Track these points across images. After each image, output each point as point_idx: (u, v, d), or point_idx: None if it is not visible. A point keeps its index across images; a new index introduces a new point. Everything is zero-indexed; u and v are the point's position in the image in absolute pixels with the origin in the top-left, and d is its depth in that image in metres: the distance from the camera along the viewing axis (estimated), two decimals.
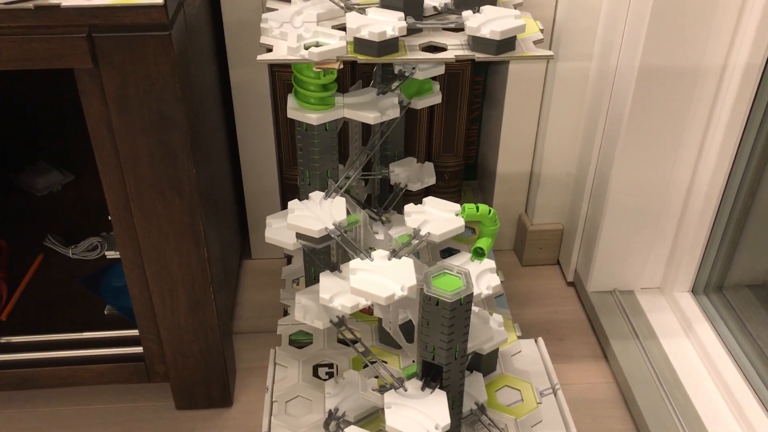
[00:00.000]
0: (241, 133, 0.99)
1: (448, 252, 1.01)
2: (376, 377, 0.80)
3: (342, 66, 0.69)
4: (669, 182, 0.91)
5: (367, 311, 0.92)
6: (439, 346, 0.65)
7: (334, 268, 0.74)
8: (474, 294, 0.67)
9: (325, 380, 0.82)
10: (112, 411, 0.86)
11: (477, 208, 0.73)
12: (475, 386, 0.79)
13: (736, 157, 0.87)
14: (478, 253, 0.74)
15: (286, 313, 0.93)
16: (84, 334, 0.85)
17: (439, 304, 0.63)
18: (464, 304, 0.63)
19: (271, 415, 0.78)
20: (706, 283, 0.97)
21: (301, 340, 0.89)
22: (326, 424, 0.75)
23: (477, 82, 1.07)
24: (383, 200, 0.93)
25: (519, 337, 0.89)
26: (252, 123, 0.98)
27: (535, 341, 0.89)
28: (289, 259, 1.02)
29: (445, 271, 0.65)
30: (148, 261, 0.74)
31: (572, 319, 1.00)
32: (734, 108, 0.83)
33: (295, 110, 0.75)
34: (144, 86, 0.64)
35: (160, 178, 0.69)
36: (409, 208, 0.74)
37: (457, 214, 0.73)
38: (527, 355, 0.87)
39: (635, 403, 0.84)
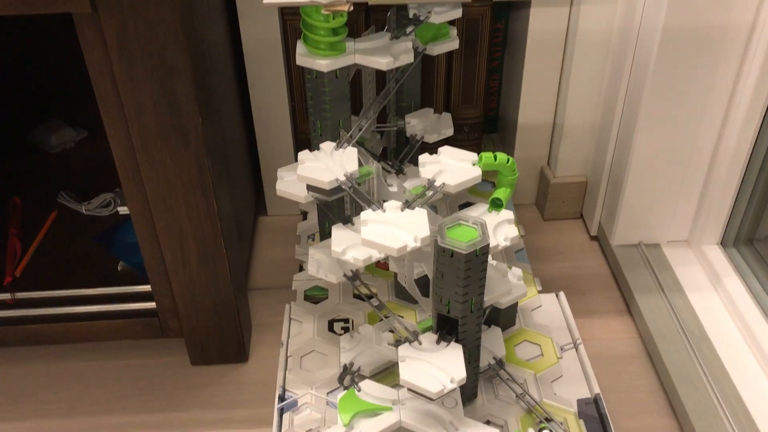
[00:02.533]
0: (253, 84, 0.97)
1: (466, 206, 0.98)
2: (392, 332, 0.78)
3: (351, 8, 0.66)
4: (697, 132, 0.87)
5: (383, 266, 0.90)
6: (455, 299, 0.63)
7: (347, 221, 0.72)
8: (491, 245, 0.64)
9: (340, 335, 0.80)
10: (127, 366, 0.86)
11: (495, 157, 0.70)
12: (493, 341, 0.77)
13: None
14: (496, 204, 0.71)
15: (301, 269, 0.92)
16: (97, 289, 0.84)
17: (453, 255, 0.60)
18: (480, 255, 0.60)
19: (285, 369, 0.77)
20: (736, 236, 0.94)
21: (316, 296, 0.87)
22: (341, 379, 0.73)
23: (497, 29, 1.03)
24: (399, 153, 0.90)
25: (539, 292, 0.86)
26: (263, 75, 0.96)
27: (557, 296, 0.86)
28: (304, 215, 1.00)
29: (461, 221, 0.63)
30: (157, 214, 0.72)
31: (595, 273, 0.97)
32: (766, 58, 0.79)
33: (304, 56, 0.72)
34: (145, 31, 0.62)
35: (165, 127, 0.66)
36: (423, 158, 0.71)
37: (474, 164, 0.70)
38: (548, 310, 0.84)
39: (660, 359, 0.82)
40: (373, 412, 0.67)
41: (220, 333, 0.83)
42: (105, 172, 1.02)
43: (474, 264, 0.61)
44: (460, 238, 0.61)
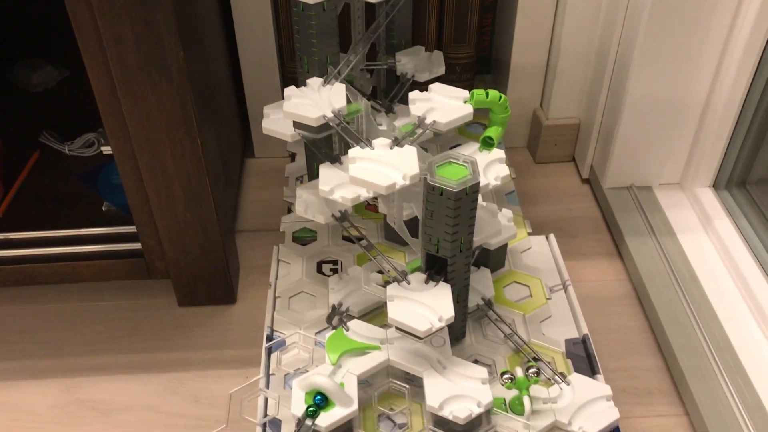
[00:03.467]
0: (239, 20, 0.93)
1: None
2: (381, 273, 0.78)
3: None
4: (693, 73, 0.85)
5: (372, 209, 0.89)
6: (444, 239, 0.62)
7: (335, 160, 0.70)
8: (481, 184, 0.63)
9: (329, 276, 0.80)
10: (114, 307, 0.85)
11: (487, 94, 0.68)
12: (482, 282, 0.77)
13: (765, 48, 0.81)
14: (487, 143, 0.70)
15: (289, 211, 0.91)
16: (82, 230, 0.83)
17: (443, 194, 0.59)
18: (470, 194, 0.59)
19: (274, 310, 0.77)
20: (729, 178, 0.93)
21: (304, 237, 0.86)
22: (329, 319, 0.73)
23: None
24: (389, 92, 0.88)
25: (529, 234, 0.86)
26: (249, 10, 0.93)
27: (546, 238, 0.85)
28: (292, 156, 0.99)
29: (451, 159, 0.61)
30: (140, 152, 0.71)
31: (586, 216, 0.97)
32: (763, 2, 0.76)
33: None
34: None
35: (146, 61, 0.64)
36: (414, 95, 0.69)
37: (465, 101, 0.68)
38: (538, 252, 0.84)
39: (649, 300, 0.82)
40: (361, 351, 0.67)
41: (208, 275, 0.83)
42: (88, 112, 0.99)
43: (464, 203, 0.60)
44: (450, 177, 0.59)
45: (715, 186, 0.94)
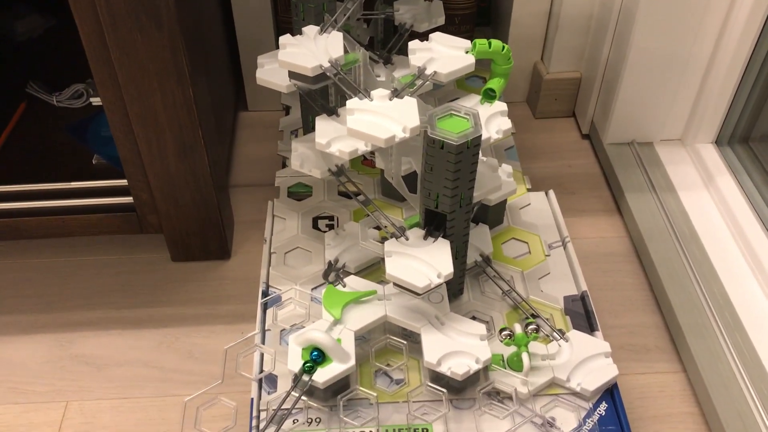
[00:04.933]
0: None
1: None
2: (378, 229, 0.76)
3: None
4: (699, 26, 0.83)
5: (369, 164, 0.88)
6: (443, 193, 0.61)
7: (332, 112, 0.68)
8: (483, 138, 0.61)
9: (325, 232, 0.79)
10: (107, 262, 0.84)
11: (489, 44, 0.66)
12: (480, 238, 0.75)
13: None
14: (489, 95, 0.68)
15: (284, 165, 0.89)
16: (72, 183, 0.81)
17: (444, 147, 0.57)
18: (471, 147, 0.58)
19: (269, 266, 0.75)
20: (731, 134, 0.91)
21: (300, 192, 0.84)
22: (326, 275, 0.72)
23: None
24: (387, 43, 0.85)
25: (529, 190, 0.84)
26: None
27: (546, 194, 0.84)
28: (287, 109, 0.96)
29: (452, 112, 0.60)
30: (130, 102, 0.68)
31: (586, 172, 0.95)
32: None
33: None
34: None
35: (135, 6, 0.61)
36: (413, 44, 0.67)
37: (467, 52, 0.66)
38: (537, 208, 0.82)
39: (648, 258, 0.81)
40: (359, 301, 0.66)
41: (202, 229, 0.81)
42: (76, 62, 0.96)
43: (465, 156, 0.58)
44: (452, 129, 0.58)
45: (718, 142, 0.92)
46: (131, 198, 0.78)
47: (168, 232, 0.81)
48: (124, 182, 0.77)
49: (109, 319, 0.78)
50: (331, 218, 0.81)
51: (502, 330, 0.65)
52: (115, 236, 0.83)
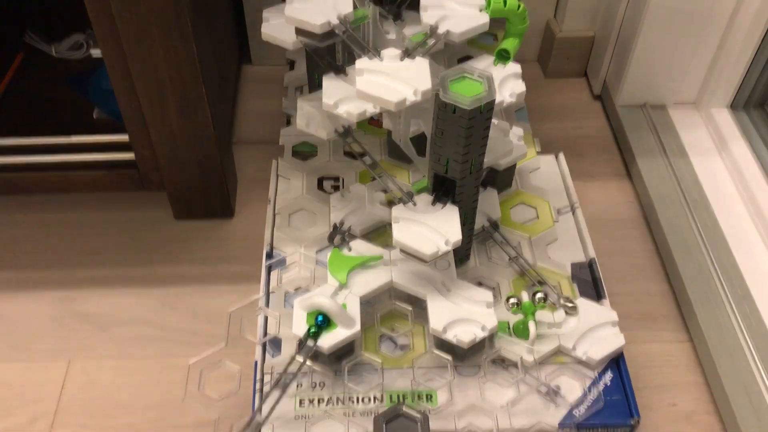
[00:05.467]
0: None
1: (466, 61, 0.92)
2: (384, 192, 0.75)
3: None
4: None
5: (376, 123, 0.85)
6: (454, 159, 0.59)
7: (340, 71, 0.66)
8: (496, 102, 0.59)
9: (330, 193, 0.77)
10: (108, 219, 0.83)
11: (504, 2, 0.63)
12: (488, 203, 0.74)
13: None
14: (503, 56, 0.66)
15: (288, 123, 0.87)
16: (72, 138, 0.79)
17: (456, 111, 0.55)
18: (484, 112, 0.56)
19: (273, 227, 0.74)
20: (748, 98, 0.89)
21: (304, 152, 0.83)
22: (331, 238, 0.71)
23: None
24: None
25: (538, 153, 0.82)
26: None
27: (556, 157, 0.82)
28: (291, 64, 0.94)
29: (465, 74, 0.57)
30: (132, 57, 0.66)
31: (596, 135, 0.93)
32: None
33: None
34: None
35: None
36: (425, 1, 0.64)
37: (481, 10, 0.63)
38: (546, 172, 0.81)
39: (658, 224, 0.80)
40: (365, 266, 0.65)
41: (204, 187, 0.80)
42: (75, 11, 0.93)
43: (477, 121, 0.56)
44: (464, 93, 0.56)
45: (733, 106, 0.90)
46: (133, 154, 0.76)
47: (170, 190, 0.80)
48: (125, 138, 0.76)
49: (111, 277, 0.77)
50: (336, 179, 0.80)
51: (509, 298, 0.64)
52: (116, 193, 0.81)
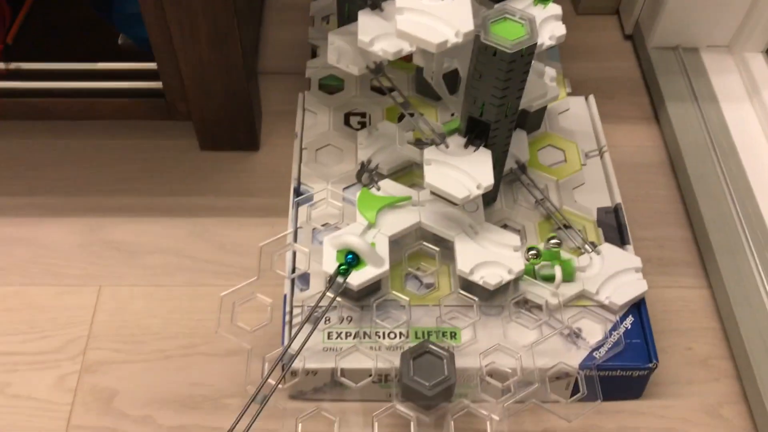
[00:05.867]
0: None
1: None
2: (412, 130, 0.75)
3: None
4: None
5: (406, 58, 0.84)
6: (490, 102, 0.59)
7: (375, 5, 0.65)
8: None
9: (357, 130, 0.77)
10: (134, 147, 0.83)
11: None
12: (517, 144, 0.74)
13: None
14: None
15: (314, 54, 0.85)
16: (98, 64, 0.78)
17: (496, 54, 0.55)
18: (526, 56, 0.55)
19: (300, 162, 0.74)
20: None
21: (331, 85, 0.82)
22: (359, 176, 0.71)
23: None
24: None
25: (569, 94, 0.81)
26: None
27: (586, 99, 0.81)
28: None
29: (507, 15, 0.56)
30: None
31: (626, 76, 0.92)
32: None
33: None
34: None
35: None
36: None
37: None
38: (576, 114, 0.80)
39: (684, 170, 0.80)
40: (393, 206, 0.65)
41: (231, 119, 0.79)
42: None
43: (518, 65, 0.55)
44: (506, 35, 0.55)
45: None
46: (161, 83, 0.75)
47: (197, 121, 0.79)
48: (153, 66, 0.75)
49: (139, 206, 0.78)
50: (363, 115, 0.79)
51: (529, 249, 0.64)
52: (143, 121, 0.81)
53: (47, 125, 0.84)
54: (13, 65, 0.78)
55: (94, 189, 0.79)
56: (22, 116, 0.79)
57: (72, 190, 0.79)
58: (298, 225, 0.69)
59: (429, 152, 0.62)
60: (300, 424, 0.56)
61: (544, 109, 0.76)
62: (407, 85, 0.82)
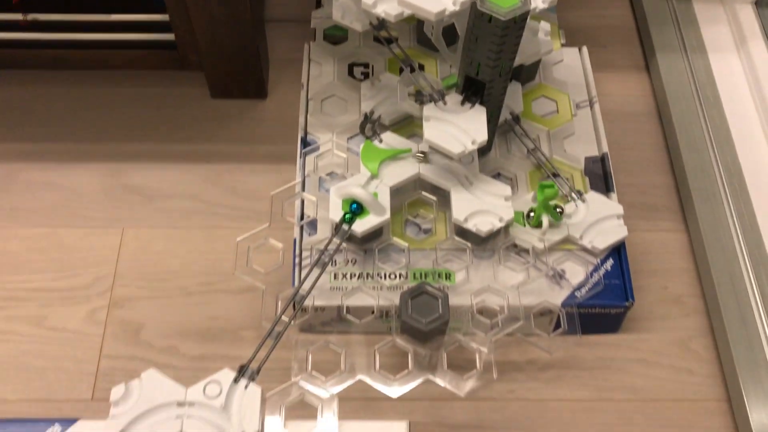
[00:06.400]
0: None
1: None
2: (413, 85, 0.79)
3: None
4: None
5: None
6: (485, 64, 0.63)
7: None
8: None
9: (360, 80, 0.81)
10: (148, 96, 0.87)
11: None
12: (512, 96, 0.78)
13: None
14: None
15: (319, 4, 0.88)
16: (112, 16, 0.81)
17: (491, 21, 0.58)
18: (519, 22, 0.59)
19: (307, 113, 0.79)
20: None
21: (336, 35, 0.85)
22: (362, 127, 0.76)
23: None
24: None
25: (563, 45, 0.85)
26: None
27: (579, 50, 0.85)
28: None
29: None
30: None
31: (619, 25, 0.95)
32: None
33: None
34: None
35: None
36: None
37: None
38: (569, 65, 0.84)
39: (669, 120, 0.84)
40: (395, 158, 0.70)
41: (241, 68, 0.83)
42: None
43: (511, 31, 0.59)
44: (500, 3, 0.58)
45: (758, 3, 0.91)
46: (173, 35, 0.79)
47: (208, 71, 0.83)
48: (165, 17, 0.78)
49: (155, 152, 0.83)
50: (366, 65, 0.83)
51: (529, 212, 0.70)
52: (155, 71, 0.85)
53: (65, 75, 0.88)
54: (30, 16, 0.81)
55: (112, 136, 0.84)
56: (40, 66, 0.83)
57: (91, 137, 0.84)
58: (306, 174, 0.75)
59: (428, 109, 0.67)
60: (310, 355, 0.63)
61: (538, 61, 0.80)
62: (409, 35, 0.85)
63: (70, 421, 0.57)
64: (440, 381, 0.63)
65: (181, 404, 0.54)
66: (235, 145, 0.83)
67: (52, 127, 0.85)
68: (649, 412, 0.69)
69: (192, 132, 0.84)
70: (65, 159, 0.82)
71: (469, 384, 0.63)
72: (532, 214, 0.70)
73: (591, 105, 0.81)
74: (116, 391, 0.54)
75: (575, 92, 0.82)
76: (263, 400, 0.55)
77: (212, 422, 0.54)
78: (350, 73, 0.82)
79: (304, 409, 0.59)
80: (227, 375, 0.55)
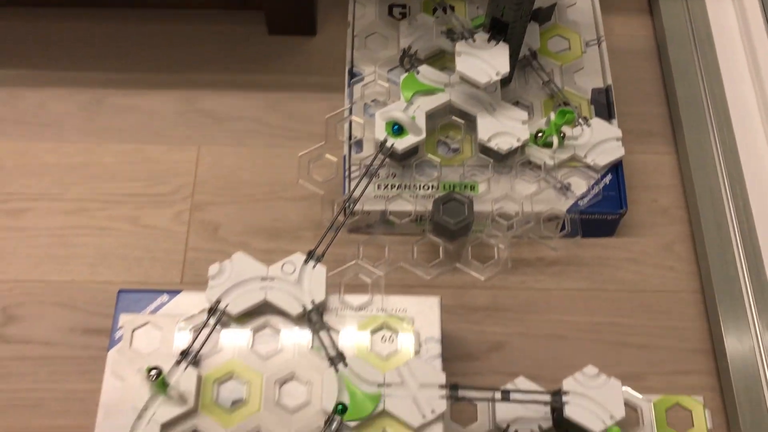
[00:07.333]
0: None
1: None
2: (446, 24, 0.91)
3: None
4: None
5: None
6: (509, 6, 0.75)
7: None
8: None
9: (399, 20, 0.93)
10: (215, 32, 0.99)
11: None
12: (530, 35, 0.90)
13: None
14: None
15: None
16: None
17: None
18: None
19: (353, 48, 0.92)
20: None
21: None
22: (401, 60, 0.89)
23: None
24: None
25: None
26: None
27: None
28: None
29: None
30: None
31: None
32: None
33: None
34: None
35: None
36: None
37: None
38: (580, 8, 0.95)
39: (667, 57, 0.96)
40: (429, 91, 0.84)
41: (295, 7, 0.96)
42: None
43: None
44: None
45: None
46: None
47: (267, 9, 0.96)
48: None
49: (221, 82, 0.96)
50: (404, 6, 0.95)
51: (537, 132, 0.83)
52: (221, 11, 0.98)
53: (139, 13, 1.00)
54: None
55: (185, 68, 0.97)
56: (119, 4, 0.96)
57: (167, 68, 0.97)
58: (353, 101, 0.88)
59: (460, 45, 0.79)
60: (361, 248, 0.78)
61: (554, 4, 0.92)
62: None
63: (176, 292, 0.73)
64: (465, 268, 0.79)
65: (264, 278, 0.69)
66: (291, 76, 0.97)
67: (131, 59, 0.98)
68: (635, 300, 0.84)
69: (254, 64, 0.97)
70: (145, 86, 0.96)
71: (488, 270, 0.79)
72: (540, 134, 0.83)
73: (599, 43, 0.93)
74: (213, 268, 0.69)
75: (585, 32, 0.94)
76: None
77: (289, 292, 0.69)
78: (390, 13, 0.95)
79: (357, 287, 0.74)
80: (299, 257, 0.70)
